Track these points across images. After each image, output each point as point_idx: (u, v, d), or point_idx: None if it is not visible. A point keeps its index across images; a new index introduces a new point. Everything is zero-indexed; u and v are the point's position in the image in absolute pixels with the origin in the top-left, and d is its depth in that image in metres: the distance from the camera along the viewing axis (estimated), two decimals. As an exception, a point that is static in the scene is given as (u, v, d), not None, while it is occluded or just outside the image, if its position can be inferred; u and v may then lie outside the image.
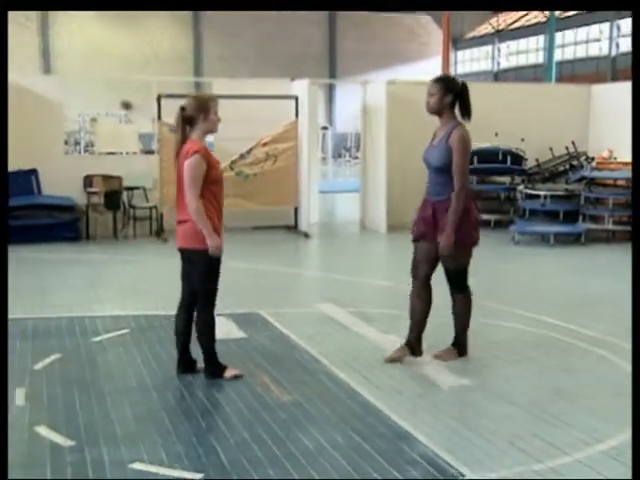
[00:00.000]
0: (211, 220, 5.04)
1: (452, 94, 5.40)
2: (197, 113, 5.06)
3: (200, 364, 5.39)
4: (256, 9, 35.84)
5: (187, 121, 5.09)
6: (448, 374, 5.41)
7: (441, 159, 5.40)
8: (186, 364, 5.38)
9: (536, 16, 40.53)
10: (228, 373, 5.27)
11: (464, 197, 5.36)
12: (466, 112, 5.46)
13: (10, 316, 6.98)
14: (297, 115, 12.47)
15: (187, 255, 5.18)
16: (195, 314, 5.26)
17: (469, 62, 46.64)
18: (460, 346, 5.72)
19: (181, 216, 5.15)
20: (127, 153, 16.69)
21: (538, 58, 39.82)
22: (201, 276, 5.14)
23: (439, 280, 5.68)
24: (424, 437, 4.28)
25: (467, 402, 4.96)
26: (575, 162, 13.21)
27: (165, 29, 40.82)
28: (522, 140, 13.12)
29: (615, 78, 31.39)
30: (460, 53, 46.83)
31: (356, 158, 31.17)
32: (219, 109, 5.18)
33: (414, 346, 5.67)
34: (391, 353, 5.73)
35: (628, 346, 5.45)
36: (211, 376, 5.26)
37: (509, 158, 12.95)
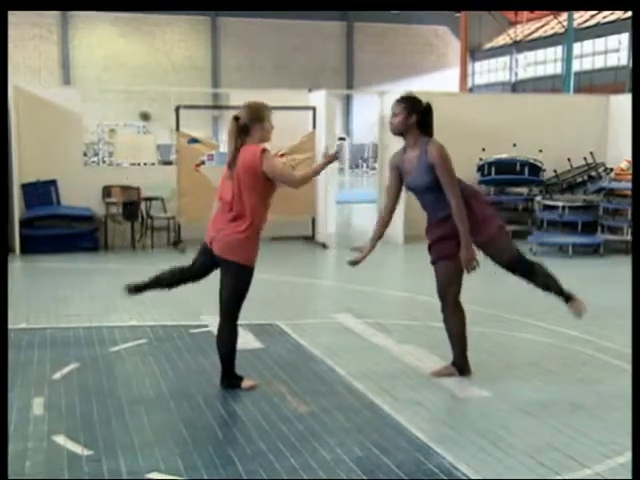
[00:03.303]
0: (260, 221, 5.13)
1: (416, 114, 5.27)
2: (252, 122, 5.06)
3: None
4: (275, 9, 35.84)
5: (242, 131, 5.06)
6: (467, 386, 5.39)
7: (427, 178, 5.24)
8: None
9: (553, 27, 40.48)
10: (244, 384, 5.27)
11: (463, 207, 5.20)
12: (428, 132, 5.33)
13: (29, 325, 7.06)
14: (314, 126, 12.50)
15: (220, 263, 5.15)
16: (218, 323, 5.26)
17: (487, 73, 46.60)
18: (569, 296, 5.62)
19: (225, 223, 5.12)
20: (145, 164, 16.79)
21: (556, 69, 39.72)
22: (230, 288, 5.13)
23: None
24: (442, 449, 4.25)
25: (485, 414, 4.92)
26: (593, 173, 13.13)
27: (182, 40, 41.10)
28: (540, 151, 13.07)
29: (634, 89, 31.24)
30: (478, 64, 46.79)
31: (373, 169, 31.23)
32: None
33: (460, 366, 5.60)
34: (438, 368, 5.66)
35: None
36: (227, 386, 5.26)
37: (527, 169, 12.89)
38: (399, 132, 5.36)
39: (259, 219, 5.14)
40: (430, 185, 5.26)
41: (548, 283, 5.51)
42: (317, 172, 5.35)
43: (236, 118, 5.08)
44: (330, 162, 5.33)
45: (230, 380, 5.27)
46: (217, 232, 5.16)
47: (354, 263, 5.61)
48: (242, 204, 5.08)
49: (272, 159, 5.09)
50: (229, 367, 5.27)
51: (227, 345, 5.22)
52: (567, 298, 5.57)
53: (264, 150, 5.06)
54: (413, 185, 5.40)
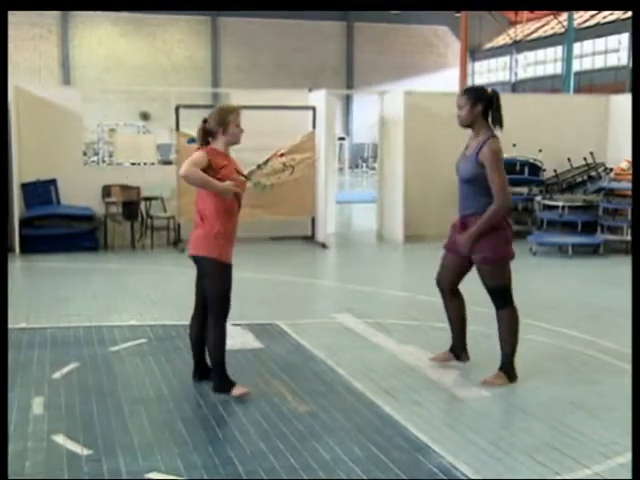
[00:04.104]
0: (224, 221, 4.98)
1: (482, 103, 5.27)
2: (217, 126, 5.04)
3: None
4: (275, 9, 35.85)
5: (208, 133, 5.07)
6: (466, 386, 5.38)
7: (470, 171, 5.30)
8: (202, 372, 5.40)
9: (553, 27, 40.48)
10: (236, 391, 5.09)
11: (502, 214, 5.25)
12: (497, 121, 5.35)
13: (29, 325, 7.06)
14: (314, 126, 12.49)
15: (197, 262, 5.13)
16: (207, 327, 5.16)
17: (486, 73, 46.58)
18: (508, 369, 5.45)
19: (196, 224, 5.15)
20: (145, 163, 16.79)
21: (556, 69, 39.72)
22: (211, 284, 5.07)
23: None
24: (442, 449, 4.25)
25: (485, 414, 4.92)
26: (593, 173, 13.13)
27: (182, 40, 41.09)
28: (540, 151, 13.07)
29: (634, 89, 31.21)
30: (478, 64, 46.78)
31: (373, 169, 31.24)
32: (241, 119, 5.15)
33: (457, 352, 5.75)
34: (438, 354, 5.85)
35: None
36: (218, 391, 5.12)
37: (527, 169, 12.90)
38: (466, 124, 5.35)
39: (221, 219, 4.99)
40: (470, 178, 5.30)
41: (512, 330, 5.43)
42: (211, 186, 4.90)
43: (204, 121, 5.08)
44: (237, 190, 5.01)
45: (221, 384, 5.11)
46: (192, 237, 5.19)
47: None
48: (203, 205, 5.03)
49: (195, 157, 4.91)
50: (220, 371, 5.12)
51: (216, 349, 5.09)
52: (508, 367, 5.45)
53: (198, 149, 5.01)
54: (459, 171, 5.45)
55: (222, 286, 5.04)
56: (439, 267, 5.67)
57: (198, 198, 5.10)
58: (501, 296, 5.39)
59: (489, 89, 5.44)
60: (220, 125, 5.03)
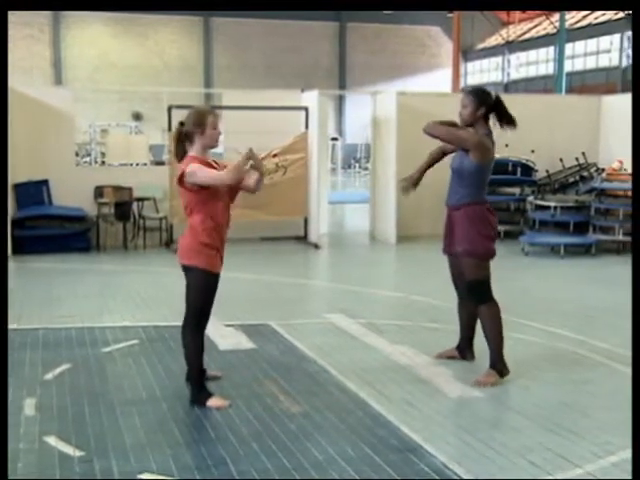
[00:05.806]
0: (210, 240, 4.86)
1: (485, 107, 5.41)
2: (194, 128, 4.88)
3: (210, 372, 5.39)
4: (267, 9, 35.87)
5: (186, 136, 4.93)
6: (459, 385, 5.39)
7: (458, 162, 5.49)
8: None
9: (545, 27, 40.58)
10: (213, 402, 4.94)
11: (435, 130, 5.52)
12: (507, 122, 5.49)
13: (21, 326, 7.04)
14: (307, 126, 12.49)
15: (186, 271, 4.98)
16: (182, 333, 5.05)
17: (479, 73, 46.66)
18: (498, 366, 5.47)
19: (184, 231, 5.04)
20: (137, 164, 16.76)
21: (548, 69, 39.80)
22: (193, 293, 4.94)
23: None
24: (434, 449, 4.25)
25: (478, 414, 4.93)
26: (585, 173, 13.17)
27: (175, 40, 41.04)
28: (532, 151, 13.10)
29: (625, 89, 31.32)
30: (470, 64, 46.85)
31: (366, 169, 31.26)
32: (226, 120, 5.05)
33: (463, 350, 5.90)
34: (443, 351, 5.98)
35: None
36: (194, 403, 4.97)
37: (519, 169, 12.93)
38: (467, 123, 5.48)
39: (207, 231, 4.85)
40: (459, 169, 5.48)
41: (495, 325, 5.48)
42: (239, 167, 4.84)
43: (181, 123, 4.97)
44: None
45: (197, 395, 4.98)
46: (180, 244, 5.09)
47: (406, 190, 5.96)
48: (188, 211, 4.93)
49: (198, 168, 4.80)
50: (196, 381, 5.02)
51: (194, 360, 4.99)
52: (499, 364, 5.46)
53: (179, 161, 4.90)
54: (452, 164, 5.61)
55: (206, 298, 4.93)
56: (451, 272, 5.79)
57: (186, 207, 4.94)
58: (480, 291, 5.49)
59: (493, 93, 5.56)
60: (198, 127, 4.88)
